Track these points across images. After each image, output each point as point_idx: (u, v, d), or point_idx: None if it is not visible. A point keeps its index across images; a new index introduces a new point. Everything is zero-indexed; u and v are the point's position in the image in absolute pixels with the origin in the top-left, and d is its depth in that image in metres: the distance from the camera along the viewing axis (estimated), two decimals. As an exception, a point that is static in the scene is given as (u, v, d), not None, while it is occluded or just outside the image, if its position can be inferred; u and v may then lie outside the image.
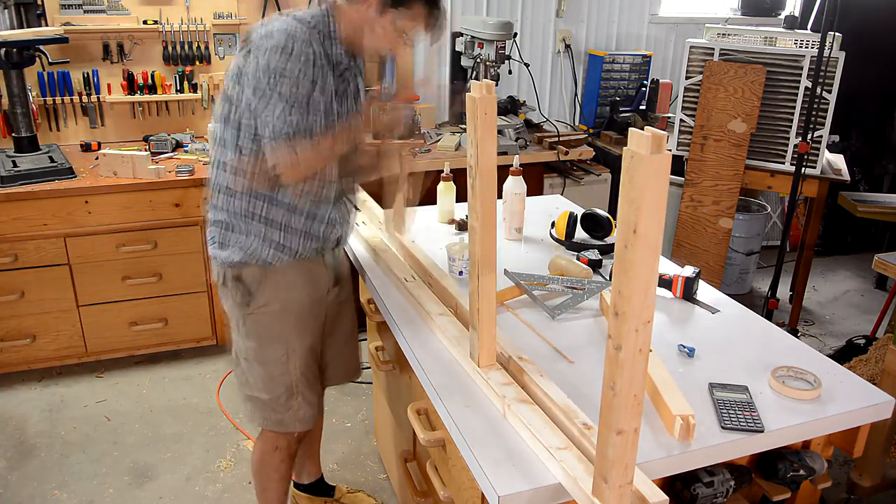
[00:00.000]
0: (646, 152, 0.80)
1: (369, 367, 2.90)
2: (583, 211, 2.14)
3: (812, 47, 2.92)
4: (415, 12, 1.60)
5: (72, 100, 3.11)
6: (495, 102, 1.16)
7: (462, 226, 2.18)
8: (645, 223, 0.83)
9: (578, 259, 1.89)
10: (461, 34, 3.35)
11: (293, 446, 1.90)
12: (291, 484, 2.18)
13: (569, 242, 2.04)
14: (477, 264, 1.26)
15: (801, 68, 2.96)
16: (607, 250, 1.98)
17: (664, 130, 3.81)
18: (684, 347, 1.49)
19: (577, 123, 3.98)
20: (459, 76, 3.57)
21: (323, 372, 1.95)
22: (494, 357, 1.37)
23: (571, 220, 2.05)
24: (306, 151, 1.53)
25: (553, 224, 2.10)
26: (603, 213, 2.08)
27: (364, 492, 2.29)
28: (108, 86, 3.15)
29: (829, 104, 2.93)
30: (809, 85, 2.94)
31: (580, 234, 2.10)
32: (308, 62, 1.52)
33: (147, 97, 3.17)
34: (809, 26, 3.48)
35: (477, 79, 3.36)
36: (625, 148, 0.83)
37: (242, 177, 1.63)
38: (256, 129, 1.56)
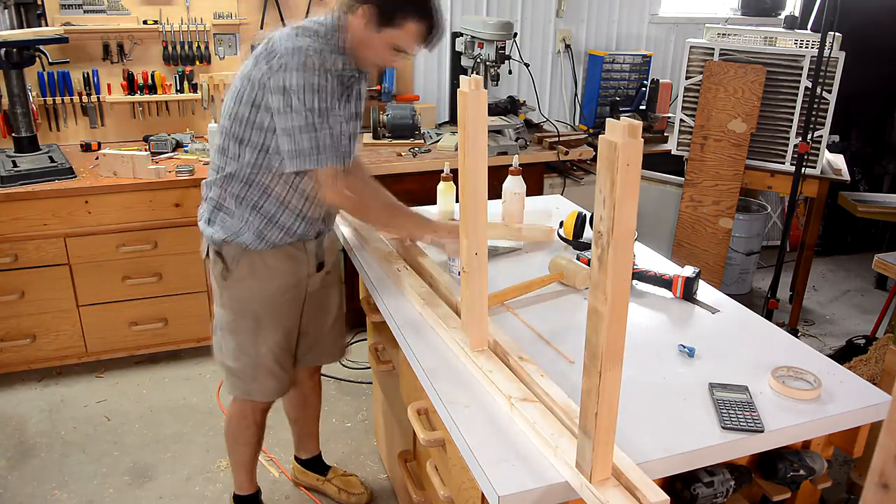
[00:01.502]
0: (621, 140, 0.85)
1: (369, 367, 2.90)
2: (592, 211, 2.13)
3: (812, 47, 2.92)
4: (408, 30, 1.63)
5: (72, 100, 3.11)
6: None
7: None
8: (622, 214, 0.90)
9: (578, 259, 1.89)
10: (461, 34, 3.35)
11: (258, 416, 2.02)
12: (293, 460, 2.38)
13: (576, 242, 2.04)
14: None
15: (801, 68, 2.96)
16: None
17: (664, 130, 3.80)
18: (684, 347, 1.49)
19: (577, 123, 3.98)
20: (459, 76, 3.57)
21: (304, 351, 2.02)
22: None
23: (580, 220, 2.04)
24: (352, 195, 1.72)
25: (561, 224, 2.10)
26: None
27: (358, 477, 2.34)
28: (108, 86, 3.15)
29: (829, 104, 2.93)
30: (809, 85, 2.94)
31: (588, 233, 2.10)
32: (335, 80, 1.62)
33: (147, 97, 3.17)
34: (809, 26, 3.48)
35: (477, 79, 3.36)
36: (601, 137, 0.88)
37: (244, 164, 1.71)
38: (268, 127, 1.65)
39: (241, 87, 1.67)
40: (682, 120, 3.20)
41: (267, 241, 1.78)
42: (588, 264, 1.85)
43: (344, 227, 2.15)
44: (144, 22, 3.09)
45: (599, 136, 0.87)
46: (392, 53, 1.68)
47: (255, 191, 1.74)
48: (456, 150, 3.20)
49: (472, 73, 3.44)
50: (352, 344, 3.22)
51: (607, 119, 0.88)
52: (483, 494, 1.16)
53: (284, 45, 1.60)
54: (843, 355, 2.91)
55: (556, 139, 3.35)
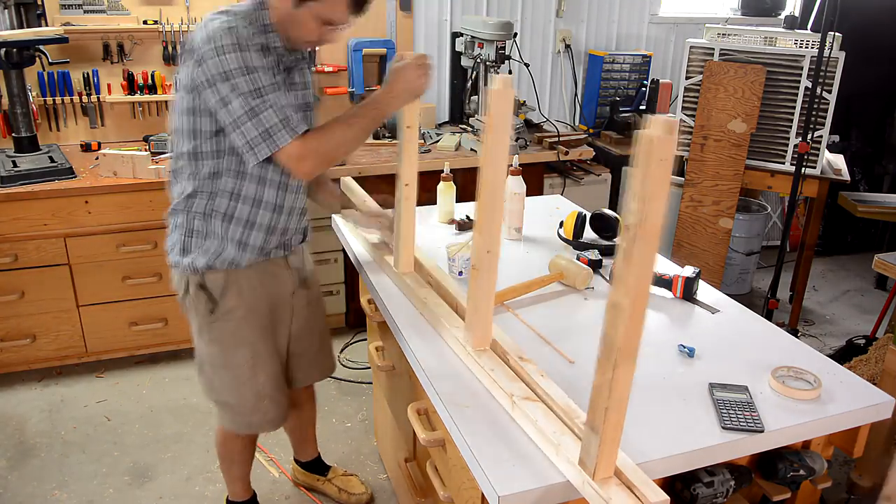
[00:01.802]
0: (657, 134, 0.86)
1: (369, 368, 2.90)
2: (592, 212, 2.13)
3: (812, 47, 2.92)
4: (332, 1, 1.51)
5: (72, 100, 3.11)
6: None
7: (462, 226, 2.18)
8: (652, 207, 0.90)
9: (578, 259, 1.89)
10: (461, 34, 3.36)
11: (253, 437, 1.99)
12: (293, 461, 2.37)
13: (576, 242, 2.04)
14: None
15: (801, 68, 2.96)
16: (614, 250, 1.98)
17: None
18: (684, 347, 1.49)
19: (577, 123, 3.98)
20: (459, 76, 3.58)
21: (296, 371, 1.96)
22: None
23: (580, 220, 2.04)
24: (313, 142, 1.54)
25: (561, 224, 2.10)
26: (612, 213, 2.08)
27: (358, 477, 2.33)
28: (108, 86, 3.15)
29: (829, 104, 2.93)
30: (809, 85, 2.94)
31: (588, 234, 2.10)
32: (259, 54, 1.49)
33: (147, 97, 3.17)
34: (809, 26, 3.48)
35: (476, 79, 3.37)
36: (640, 133, 0.88)
37: (204, 178, 1.61)
38: (216, 130, 1.55)
39: (177, 98, 1.58)
40: (682, 120, 3.20)
41: (252, 247, 1.69)
42: (588, 264, 1.85)
43: (344, 226, 2.15)
44: (144, 22, 3.09)
45: (636, 130, 0.86)
46: (323, 28, 1.55)
47: (223, 200, 1.64)
48: (456, 150, 3.21)
49: (472, 73, 3.44)
50: (352, 344, 3.22)
51: (647, 117, 0.88)
52: (483, 494, 1.16)
53: (198, 36, 1.49)
54: (843, 355, 2.91)
55: (556, 139, 3.35)
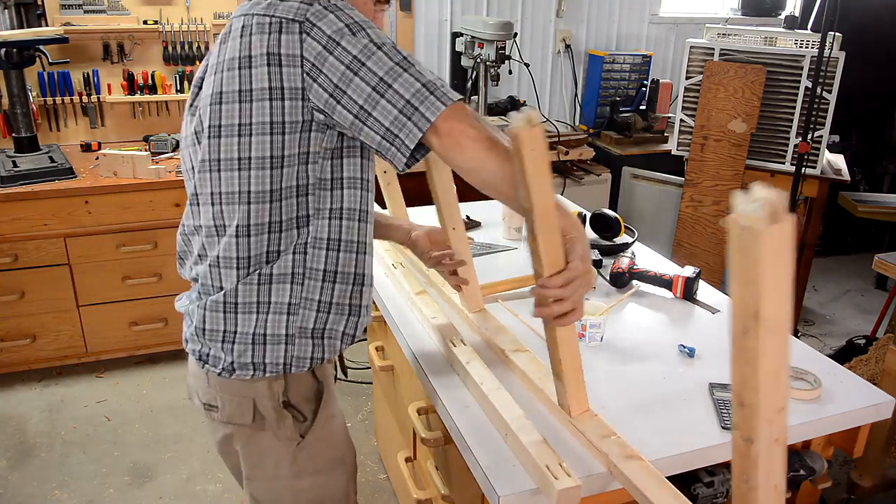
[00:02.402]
0: (762, 225, 0.65)
1: (369, 368, 2.90)
2: (592, 211, 2.13)
3: (812, 47, 2.92)
4: None
5: (72, 100, 3.11)
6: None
7: (464, 226, 2.17)
8: (769, 307, 0.69)
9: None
10: (461, 34, 3.36)
11: None
12: None
13: None
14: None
15: (801, 68, 2.96)
16: (614, 251, 1.98)
17: (664, 130, 3.77)
18: (684, 347, 1.49)
19: (577, 123, 3.97)
20: (459, 76, 3.58)
21: None
22: (587, 406, 1.21)
23: (580, 220, 2.04)
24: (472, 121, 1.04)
25: None
26: (612, 213, 2.08)
27: None
28: (109, 86, 3.15)
29: (829, 104, 2.93)
30: (809, 85, 2.94)
31: (588, 234, 2.10)
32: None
33: (147, 97, 3.17)
34: (809, 26, 3.48)
35: (476, 79, 3.36)
36: (732, 218, 0.67)
37: (286, 227, 1.13)
38: (318, 149, 1.11)
39: (225, 112, 1.09)
40: (682, 120, 3.20)
41: (362, 321, 1.25)
42: (599, 264, 1.86)
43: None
44: (144, 22, 3.09)
45: (733, 221, 0.67)
46: (374, 6, 1.24)
47: (319, 252, 1.16)
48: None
49: (472, 73, 3.44)
50: (352, 344, 3.22)
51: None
52: (483, 494, 1.16)
53: (285, 7, 1.06)
54: (843, 355, 2.91)
55: (557, 139, 3.35)
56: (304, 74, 1.05)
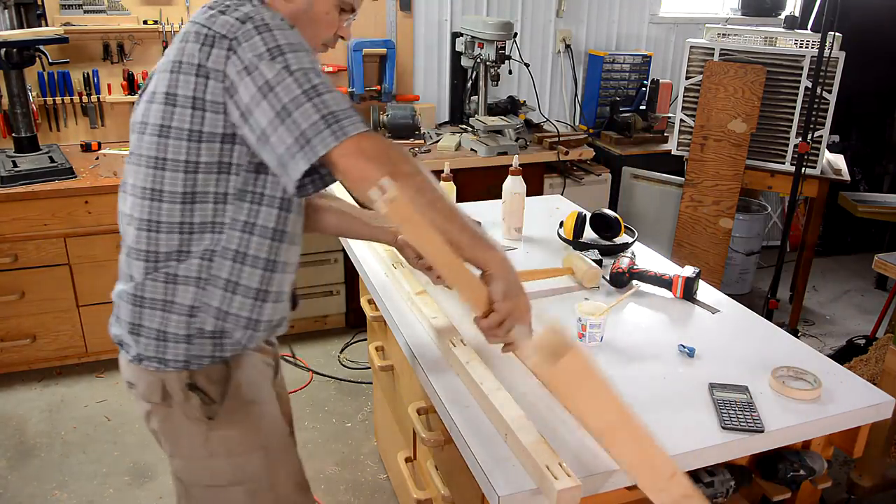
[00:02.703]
0: (551, 365, 0.74)
1: (369, 368, 2.90)
2: (592, 211, 2.13)
3: (812, 47, 2.92)
4: None
5: (72, 100, 3.11)
6: None
7: None
8: (595, 420, 0.89)
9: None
10: (461, 34, 3.36)
11: None
12: None
13: (576, 242, 2.04)
14: None
15: (801, 68, 2.96)
16: (614, 251, 1.98)
17: (664, 130, 3.78)
18: (684, 347, 1.49)
19: (577, 123, 3.98)
20: (459, 76, 3.58)
21: None
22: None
23: (580, 220, 2.04)
24: (395, 152, 1.10)
25: (561, 224, 2.10)
26: (612, 213, 2.08)
27: None
28: (109, 86, 3.15)
29: (829, 104, 2.93)
30: (809, 85, 2.94)
31: (588, 234, 2.10)
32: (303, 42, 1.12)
33: (147, 97, 3.16)
34: (809, 26, 3.48)
35: (476, 79, 3.36)
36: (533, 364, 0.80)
37: (197, 230, 1.16)
38: (230, 161, 1.14)
39: (159, 113, 1.14)
40: (682, 120, 3.20)
41: (266, 324, 1.26)
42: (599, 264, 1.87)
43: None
44: (144, 22, 3.09)
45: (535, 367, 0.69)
46: (339, 17, 1.25)
47: (224, 261, 1.18)
48: (456, 150, 3.21)
49: (472, 73, 3.44)
50: (352, 344, 3.22)
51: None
52: (483, 494, 1.16)
53: (222, 21, 1.10)
54: (843, 355, 2.91)
55: (557, 139, 3.35)
56: (224, 90, 1.10)
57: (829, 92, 2.91)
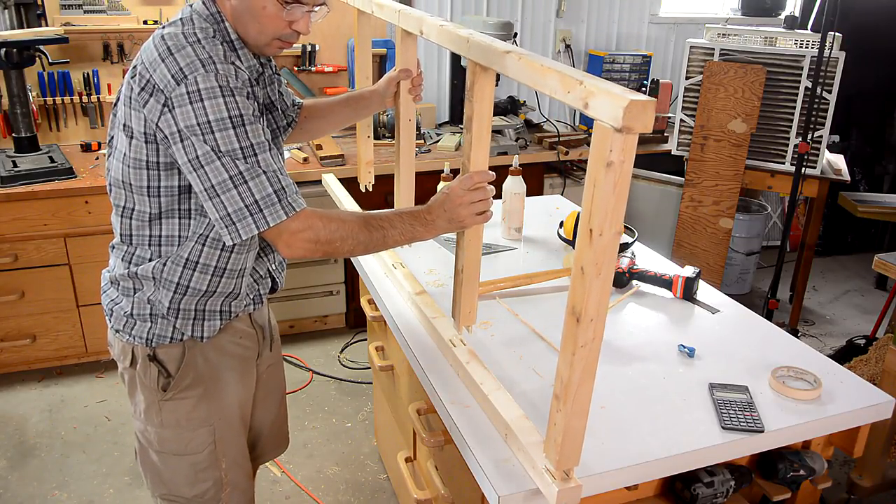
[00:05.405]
0: None
1: (369, 368, 2.90)
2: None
3: (812, 47, 2.92)
4: None
5: (72, 100, 3.11)
6: None
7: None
8: None
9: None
10: (461, 34, 3.35)
11: None
12: None
13: (576, 242, 2.04)
14: None
15: (801, 68, 2.96)
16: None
17: (664, 130, 3.78)
18: (684, 347, 1.49)
19: (577, 123, 3.97)
20: (459, 76, 3.58)
21: (253, 448, 1.65)
22: (475, 318, 1.42)
23: (580, 220, 2.04)
24: (316, 222, 1.22)
25: (561, 224, 2.10)
26: None
27: None
28: (109, 86, 3.15)
29: (829, 104, 2.93)
30: (809, 85, 2.94)
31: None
32: (243, 98, 1.17)
33: (147, 97, 3.17)
34: (809, 26, 3.48)
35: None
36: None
37: (155, 243, 1.33)
38: (181, 186, 1.26)
39: (119, 139, 1.25)
40: (682, 120, 3.20)
41: (214, 313, 1.39)
42: None
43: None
44: (144, 22, 3.09)
45: None
46: (287, 13, 1.22)
47: (176, 268, 1.33)
48: (456, 150, 3.21)
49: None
50: (352, 344, 3.22)
51: None
52: (483, 495, 1.16)
53: (161, 72, 1.15)
54: (843, 355, 2.91)
55: (556, 139, 3.35)
56: (160, 140, 1.19)
57: (829, 92, 2.91)
